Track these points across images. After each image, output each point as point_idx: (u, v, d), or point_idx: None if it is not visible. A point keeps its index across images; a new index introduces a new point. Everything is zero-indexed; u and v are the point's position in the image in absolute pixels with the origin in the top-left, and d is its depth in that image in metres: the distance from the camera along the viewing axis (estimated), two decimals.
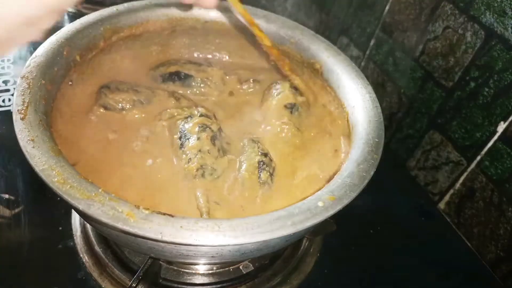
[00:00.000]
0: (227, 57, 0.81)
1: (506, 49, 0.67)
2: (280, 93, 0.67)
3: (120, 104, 0.63)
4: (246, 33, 0.76)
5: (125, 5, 0.70)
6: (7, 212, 0.68)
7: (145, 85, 0.68)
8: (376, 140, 0.55)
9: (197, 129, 0.59)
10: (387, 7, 0.90)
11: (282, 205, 0.46)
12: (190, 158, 0.56)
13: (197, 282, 0.63)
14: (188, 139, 0.58)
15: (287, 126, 0.64)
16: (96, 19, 0.66)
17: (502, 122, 0.70)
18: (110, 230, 0.46)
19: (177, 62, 0.73)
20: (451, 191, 0.82)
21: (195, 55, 0.80)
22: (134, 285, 0.56)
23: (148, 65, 0.74)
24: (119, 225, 0.39)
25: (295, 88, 0.68)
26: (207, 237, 0.40)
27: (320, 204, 0.45)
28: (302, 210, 0.44)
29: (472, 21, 0.72)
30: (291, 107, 0.65)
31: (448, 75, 0.78)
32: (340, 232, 0.66)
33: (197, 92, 0.71)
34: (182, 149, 0.58)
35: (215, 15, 0.75)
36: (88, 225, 0.66)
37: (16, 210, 0.68)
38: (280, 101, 0.66)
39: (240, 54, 0.80)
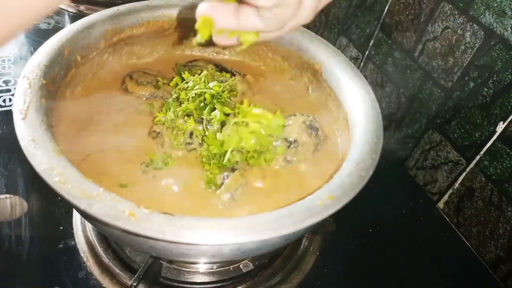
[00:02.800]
0: (227, 57, 0.81)
1: (506, 49, 0.67)
2: (289, 125, 0.63)
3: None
4: None
5: (126, 5, 0.70)
6: (7, 212, 0.68)
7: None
8: (375, 140, 0.55)
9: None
10: (386, 8, 0.90)
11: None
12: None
13: (198, 281, 0.63)
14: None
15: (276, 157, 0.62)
16: (97, 19, 0.66)
17: (501, 122, 0.70)
18: (111, 229, 0.46)
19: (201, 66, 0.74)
20: (450, 190, 0.82)
21: (196, 53, 0.80)
22: (135, 284, 0.57)
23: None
24: (120, 224, 0.39)
25: (311, 126, 0.64)
26: (208, 236, 0.40)
27: (320, 203, 0.45)
28: (301, 209, 0.44)
29: (471, 21, 0.72)
30: (290, 143, 0.62)
31: (447, 75, 0.79)
32: (339, 231, 0.67)
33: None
34: None
35: None
36: (89, 225, 0.66)
37: (17, 210, 0.69)
38: (286, 132, 0.63)
39: (240, 54, 0.81)
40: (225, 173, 0.56)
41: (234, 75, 0.72)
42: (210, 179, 0.56)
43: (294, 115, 0.66)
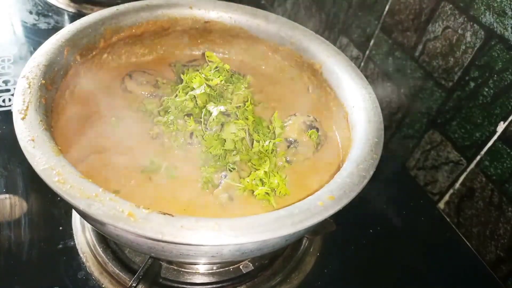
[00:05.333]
0: (227, 56, 0.81)
1: (506, 49, 0.67)
2: (289, 125, 0.64)
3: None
4: (246, 33, 0.76)
5: (126, 5, 0.70)
6: (7, 212, 0.68)
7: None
8: (376, 140, 0.55)
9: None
10: (387, 7, 0.90)
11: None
12: None
13: (197, 281, 0.63)
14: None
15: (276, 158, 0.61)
16: (96, 19, 0.66)
17: (502, 122, 0.70)
18: (110, 229, 0.46)
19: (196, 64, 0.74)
20: (451, 191, 0.82)
21: (196, 53, 0.80)
22: (134, 284, 0.57)
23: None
24: (120, 225, 0.39)
25: (311, 126, 0.64)
26: (208, 236, 0.40)
27: (320, 204, 0.45)
28: (302, 210, 0.44)
29: (472, 21, 0.72)
30: (290, 143, 0.62)
31: (448, 75, 0.78)
32: (339, 232, 0.66)
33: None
34: None
35: (215, 15, 0.75)
36: (88, 225, 0.66)
37: (16, 210, 0.68)
38: (286, 132, 0.63)
39: (240, 53, 0.81)
40: (223, 173, 0.56)
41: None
42: (207, 179, 0.56)
43: (294, 115, 0.66)
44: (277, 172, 0.57)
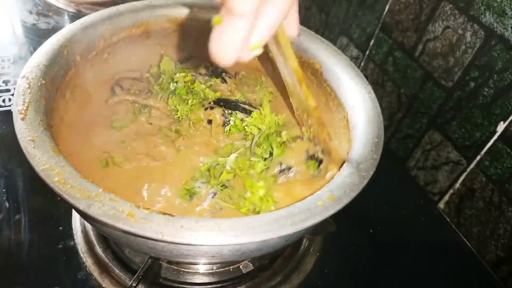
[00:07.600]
0: None
1: (506, 49, 0.67)
2: (290, 149, 0.59)
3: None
4: None
5: (126, 5, 0.70)
6: (7, 212, 0.68)
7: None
8: (376, 140, 0.55)
9: None
10: (387, 7, 0.90)
11: None
12: None
13: (197, 281, 0.63)
14: None
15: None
16: (96, 19, 0.66)
17: (502, 122, 0.70)
18: (110, 229, 0.46)
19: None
20: (451, 191, 0.82)
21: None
22: (134, 284, 0.57)
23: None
24: (120, 225, 0.39)
25: (313, 157, 0.58)
26: (207, 236, 0.40)
27: (320, 204, 0.45)
28: (302, 210, 0.44)
29: (472, 21, 0.72)
30: (282, 170, 0.58)
31: (448, 75, 0.78)
32: (340, 232, 0.67)
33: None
34: None
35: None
36: (88, 225, 0.66)
37: (16, 210, 0.68)
38: (284, 156, 0.58)
39: None
40: (212, 190, 0.54)
41: (225, 80, 0.71)
42: (190, 191, 0.54)
43: (301, 138, 0.60)
44: (270, 197, 0.53)
